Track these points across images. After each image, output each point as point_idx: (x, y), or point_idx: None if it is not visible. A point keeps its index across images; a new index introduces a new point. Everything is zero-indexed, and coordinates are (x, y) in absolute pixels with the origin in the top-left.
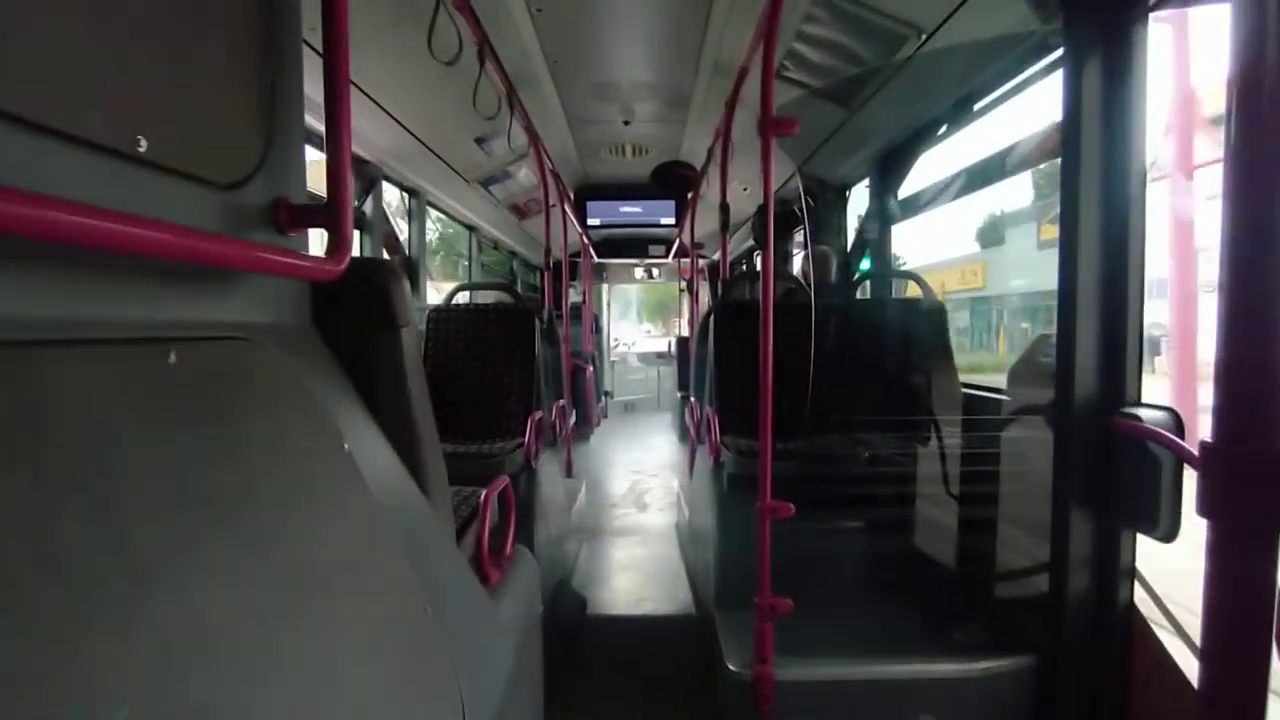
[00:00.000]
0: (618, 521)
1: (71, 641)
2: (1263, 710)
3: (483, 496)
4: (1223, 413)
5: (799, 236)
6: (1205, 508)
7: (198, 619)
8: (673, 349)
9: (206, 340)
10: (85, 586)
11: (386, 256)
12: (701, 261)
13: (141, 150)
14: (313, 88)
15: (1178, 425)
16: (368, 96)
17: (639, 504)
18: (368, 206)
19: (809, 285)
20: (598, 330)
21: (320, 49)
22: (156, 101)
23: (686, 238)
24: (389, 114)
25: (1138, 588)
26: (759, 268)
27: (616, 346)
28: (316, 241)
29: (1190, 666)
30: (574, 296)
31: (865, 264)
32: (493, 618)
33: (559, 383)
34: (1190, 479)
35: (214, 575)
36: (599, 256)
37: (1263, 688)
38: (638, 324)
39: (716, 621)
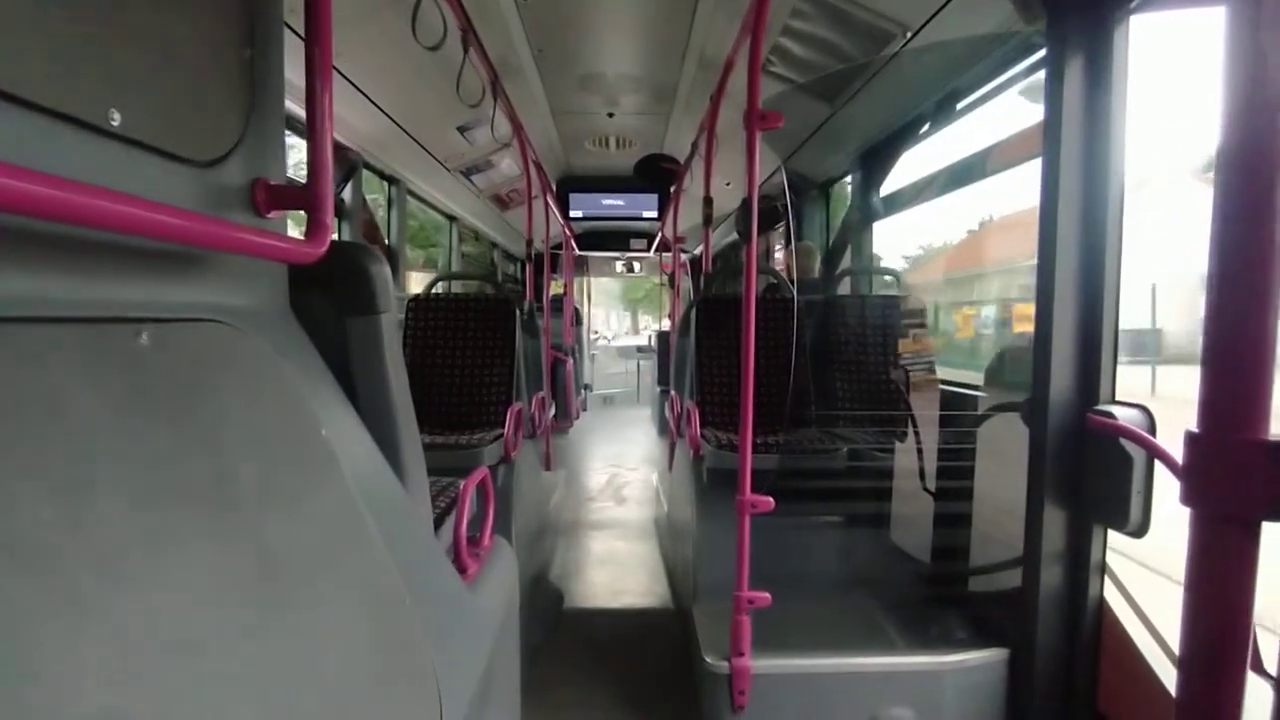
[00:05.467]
0: (596, 515)
1: (33, 633)
2: (1239, 701)
3: (461, 487)
4: (1209, 402)
5: (782, 231)
6: (1189, 496)
7: (167, 609)
8: (653, 342)
9: (180, 322)
10: (48, 576)
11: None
12: (683, 256)
13: (114, 124)
14: (294, 72)
15: (1150, 423)
16: (349, 81)
17: (618, 497)
18: (347, 194)
19: (791, 280)
20: (578, 323)
21: (301, 31)
22: (130, 75)
23: (669, 231)
24: (370, 100)
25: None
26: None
27: (597, 339)
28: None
29: (1156, 657)
30: (555, 288)
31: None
32: (470, 608)
33: (539, 375)
34: (1161, 475)
35: (185, 564)
36: (581, 249)
37: (1240, 674)
38: (624, 313)
39: (694, 614)
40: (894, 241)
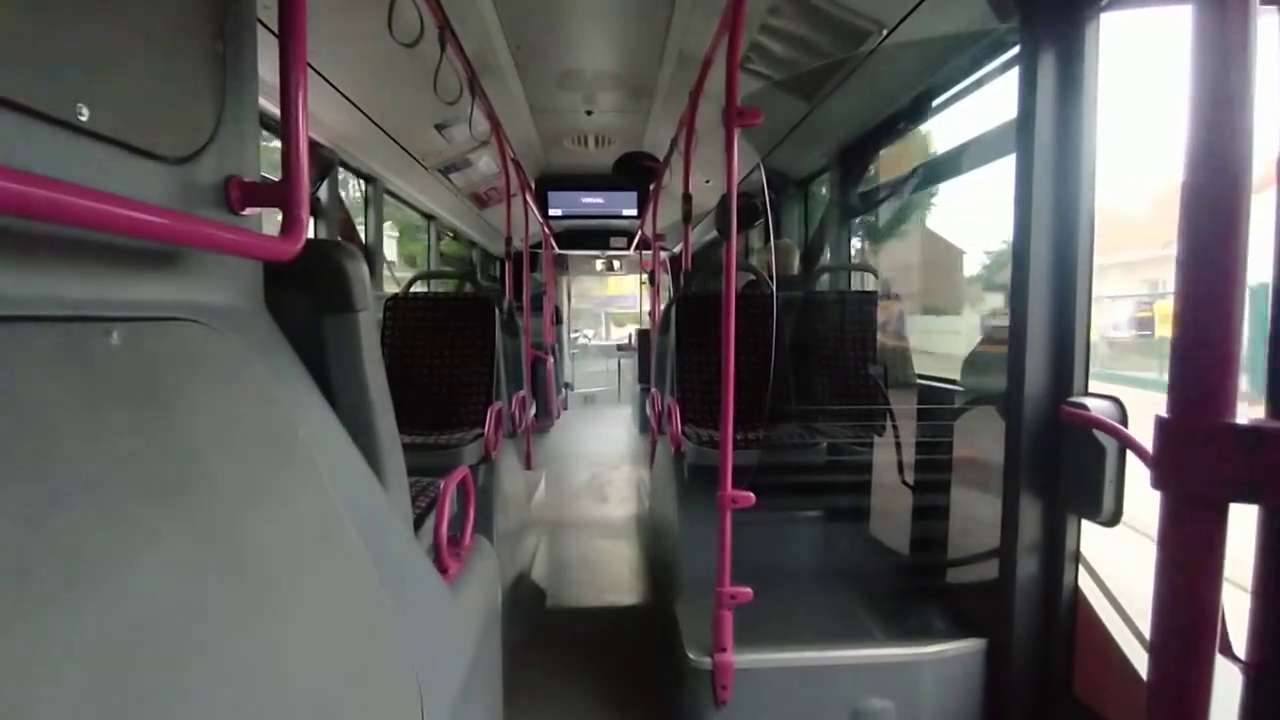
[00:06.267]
0: (578, 513)
1: (4, 638)
2: (1208, 680)
3: (441, 487)
4: (1178, 387)
5: (761, 228)
6: (1159, 480)
7: (140, 613)
8: (634, 341)
9: (152, 321)
10: (17, 579)
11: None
12: (663, 254)
13: (83, 119)
14: (268, 69)
15: (1122, 413)
16: (324, 79)
17: (599, 496)
18: (323, 193)
19: (770, 277)
20: (558, 322)
21: (275, 28)
22: (99, 69)
23: (648, 229)
24: (346, 97)
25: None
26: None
27: (577, 339)
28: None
29: (1129, 643)
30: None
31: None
32: (451, 609)
33: (519, 374)
34: (1134, 465)
35: (160, 568)
36: (560, 247)
37: (1210, 655)
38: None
39: (677, 611)
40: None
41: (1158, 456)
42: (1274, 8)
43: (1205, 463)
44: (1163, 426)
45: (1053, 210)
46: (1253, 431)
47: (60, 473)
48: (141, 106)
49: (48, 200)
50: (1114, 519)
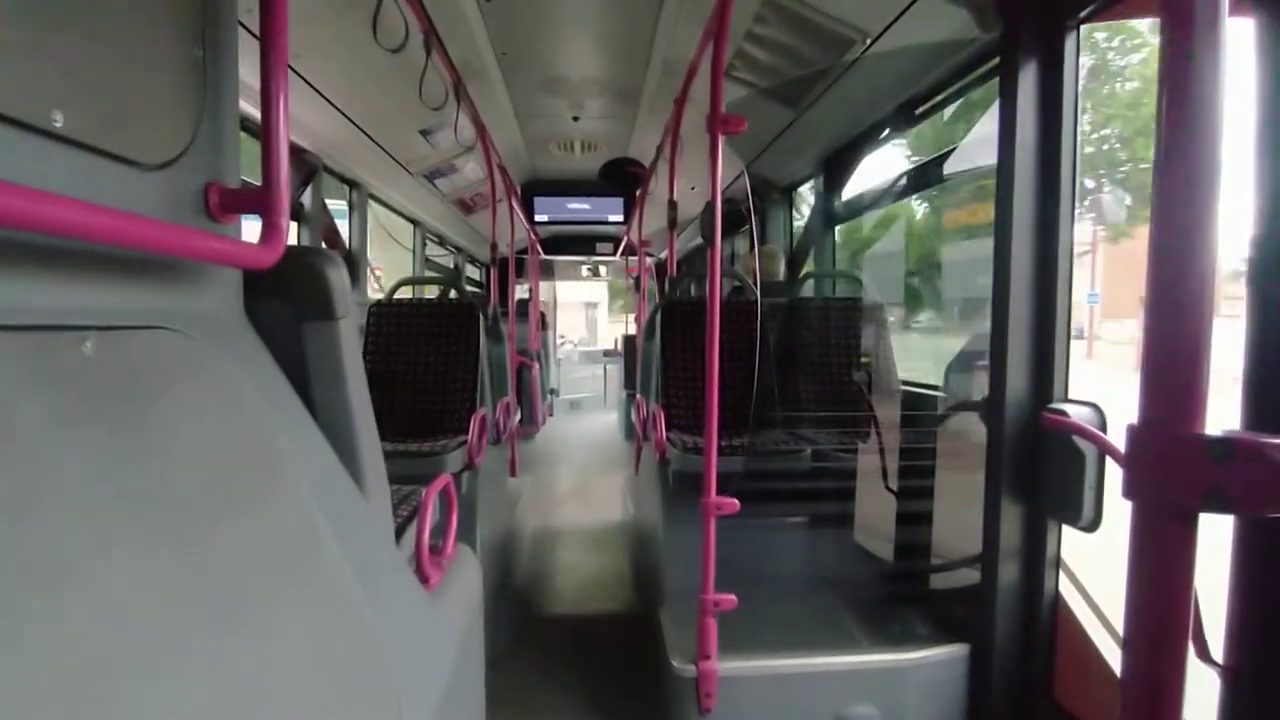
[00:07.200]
0: (562, 521)
1: None
2: (1180, 686)
3: (424, 495)
4: (1148, 398)
5: (746, 235)
6: (1130, 489)
7: (116, 627)
8: (619, 346)
9: (128, 329)
10: None
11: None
12: (649, 259)
13: (57, 126)
14: (249, 72)
15: (1101, 419)
16: (307, 83)
17: (584, 503)
18: (306, 198)
19: (755, 283)
20: (544, 327)
21: (256, 31)
22: (74, 74)
23: (634, 235)
24: (330, 102)
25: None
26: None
27: (563, 344)
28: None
29: (1108, 647)
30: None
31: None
32: (433, 619)
33: (504, 380)
34: (1112, 471)
35: (135, 580)
36: (546, 253)
37: (1181, 656)
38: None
39: (661, 619)
40: None
41: (1128, 465)
42: (1245, 18)
43: (1175, 472)
44: (1133, 436)
45: (1033, 218)
46: (1222, 442)
47: (32, 483)
48: (118, 112)
49: (19, 207)
50: (1094, 524)
